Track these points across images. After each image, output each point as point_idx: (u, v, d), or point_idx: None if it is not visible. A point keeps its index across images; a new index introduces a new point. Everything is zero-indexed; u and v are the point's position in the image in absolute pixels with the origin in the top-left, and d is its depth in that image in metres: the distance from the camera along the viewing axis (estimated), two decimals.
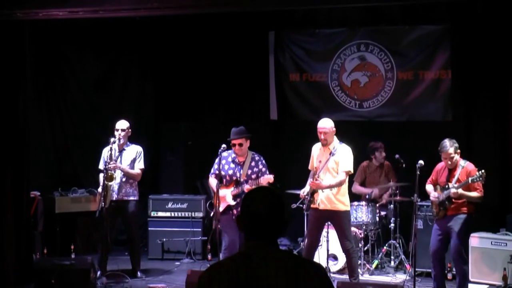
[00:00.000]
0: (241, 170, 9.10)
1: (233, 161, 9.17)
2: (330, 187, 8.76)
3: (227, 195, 9.04)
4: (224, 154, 9.19)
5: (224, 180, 9.16)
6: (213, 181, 9.22)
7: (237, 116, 12.23)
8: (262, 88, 12.51)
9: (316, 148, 9.14)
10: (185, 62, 12.78)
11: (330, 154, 8.78)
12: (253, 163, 9.13)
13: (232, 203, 8.99)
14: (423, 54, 11.54)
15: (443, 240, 8.69)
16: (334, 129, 8.96)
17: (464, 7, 10.75)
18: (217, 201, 8.99)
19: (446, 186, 8.58)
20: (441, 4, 10.96)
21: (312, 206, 8.91)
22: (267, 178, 8.88)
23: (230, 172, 9.13)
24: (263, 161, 9.21)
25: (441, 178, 8.74)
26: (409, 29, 11.63)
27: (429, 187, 8.91)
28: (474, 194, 8.47)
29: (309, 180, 9.03)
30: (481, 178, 8.34)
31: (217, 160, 9.15)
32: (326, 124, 8.93)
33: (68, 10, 8.73)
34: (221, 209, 9.03)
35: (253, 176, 9.01)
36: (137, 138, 10.53)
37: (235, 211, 8.95)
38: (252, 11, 10.63)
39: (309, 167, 9.25)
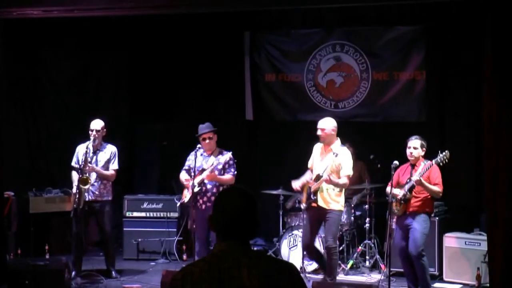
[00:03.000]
0: (208, 161, 9.44)
1: (202, 155, 9.57)
2: (334, 184, 8.87)
3: (192, 185, 9.34)
4: (198, 152, 9.55)
5: (193, 172, 9.46)
6: (182, 176, 9.66)
7: (213, 117, 12.18)
8: (237, 88, 12.51)
9: (317, 148, 9.25)
10: (160, 62, 12.74)
11: (333, 155, 8.88)
12: (220, 156, 9.49)
13: (196, 189, 9.29)
14: (398, 55, 11.60)
15: (405, 238, 8.78)
16: (335, 129, 9.07)
17: (438, 8, 10.81)
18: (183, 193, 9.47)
19: (408, 181, 8.68)
20: (416, 5, 11.02)
21: (313, 204, 9.00)
22: (224, 157, 9.39)
23: (198, 164, 9.49)
24: (231, 156, 9.50)
25: (402, 177, 8.82)
26: (384, 30, 11.68)
27: (388, 189, 8.96)
28: (435, 187, 8.58)
29: (306, 178, 9.16)
30: (445, 157, 8.45)
31: (189, 157, 9.60)
32: (325, 123, 9.07)
33: (42, 9, 8.67)
34: (186, 199, 9.51)
35: (219, 167, 9.36)
36: (112, 138, 10.49)
37: (201, 201, 9.37)
38: (227, 11, 10.63)
39: (309, 165, 9.34)
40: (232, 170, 9.45)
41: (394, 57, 11.62)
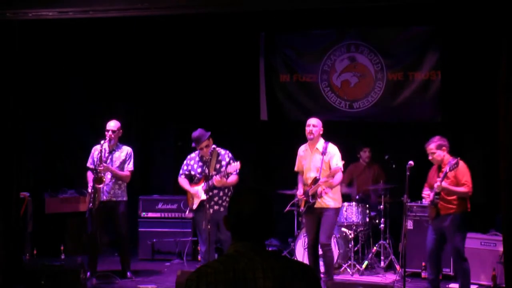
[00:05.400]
0: (209, 166, 9.34)
1: (201, 159, 9.48)
2: (333, 185, 8.95)
3: (198, 191, 9.36)
4: (192, 155, 9.59)
5: (195, 178, 9.51)
6: (182, 181, 9.60)
7: (227, 117, 12.24)
8: (252, 88, 12.51)
9: (302, 150, 9.33)
10: (175, 63, 12.76)
11: (321, 154, 8.94)
12: (219, 157, 9.43)
13: (204, 197, 9.25)
14: (413, 55, 11.56)
15: (437, 240, 8.71)
16: (321, 129, 9.13)
17: (453, 8, 10.76)
18: (189, 199, 9.54)
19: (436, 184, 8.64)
20: (431, 5, 10.98)
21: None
22: (234, 166, 9.16)
23: (199, 170, 9.46)
24: (229, 154, 9.49)
25: (433, 179, 8.77)
26: (399, 30, 11.66)
27: (425, 193, 8.90)
28: (460, 189, 8.50)
29: (300, 185, 9.24)
30: (456, 166, 8.39)
31: (185, 161, 9.62)
32: (317, 121, 9.15)
33: (57, 10, 8.69)
34: (195, 206, 9.44)
35: (222, 169, 9.27)
36: (128, 139, 10.52)
37: (207, 205, 9.22)
38: (243, 11, 10.62)
39: (296, 169, 9.42)
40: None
41: (409, 57, 11.59)
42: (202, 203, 9.30)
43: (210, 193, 9.23)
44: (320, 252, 9.22)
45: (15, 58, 9.28)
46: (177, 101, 12.94)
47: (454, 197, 8.57)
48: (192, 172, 9.49)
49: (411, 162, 8.73)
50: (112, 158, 9.97)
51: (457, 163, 8.49)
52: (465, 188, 8.51)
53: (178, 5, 8.55)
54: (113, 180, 9.93)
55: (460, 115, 11.36)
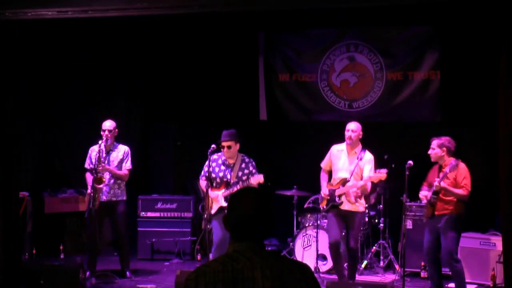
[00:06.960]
0: (232, 172, 9.20)
1: (224, 164, 9.30)
2: (361, 190, 9.00)
3: (218, 197, 9.16)
4: (215, 156, 9.33)
5: (214, 182, 9.29)
6: (203, 184, 9.34)
7: (227, 117, 12.22)
8: (251, 88, 12.51)
9: (338, 149, 9.30)
10: (175, 62, 12.76)
11: (357, 159, 9.00)
12: (243, 165, 9.25)
13: (224, 204, 9.07)
14: (412, 55, 11.57)
15: (434, 239, 8.74)
16: (361, 133, 9.18)
17: (452, 8, 10.75)
18: (208, 202, 9.17)
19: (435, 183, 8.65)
20: (430, 5, 10.97)
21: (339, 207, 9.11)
22: (257, 179, 8.97)
23: (221, 174, 9.25)
24: (253, 163, 9.33)
25: (433, 178, 8.78)
26: (399, 30, 11.67)
27: (422, 193, 8.92)
28: (459, 191, 8.53)
29: (324, 184, 9.26)
30: (455, 167, 8.40)
31: (206, 162, 9.28)
32: (356, 126, 9.19)
33: (57, 10, 8.68)
34: (213, 211, 9.20)
35: (244, 178, 9.11)
36: (127, 138, 10.51)
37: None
38: (243, 11, 10.61)
39: (323, 165, 9.41)
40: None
41: (409, 57, 11.60)
42: (221, 209, 9.13)
43: None
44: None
45: (14, 57, 9.28)
46: (176, 101, 12.93)
47: (451, 198, 8.59)
48: (213, 175, 9.25)
49: (410, 162, 8.73)
50: (110, 158, 9.97)
51: (457, 165, 8.51)
52: (463, 191, 8.54)
53: (178, 5, 8.54)
54: (113, 180, 9.93)
55: (459, 115, 11.36)
